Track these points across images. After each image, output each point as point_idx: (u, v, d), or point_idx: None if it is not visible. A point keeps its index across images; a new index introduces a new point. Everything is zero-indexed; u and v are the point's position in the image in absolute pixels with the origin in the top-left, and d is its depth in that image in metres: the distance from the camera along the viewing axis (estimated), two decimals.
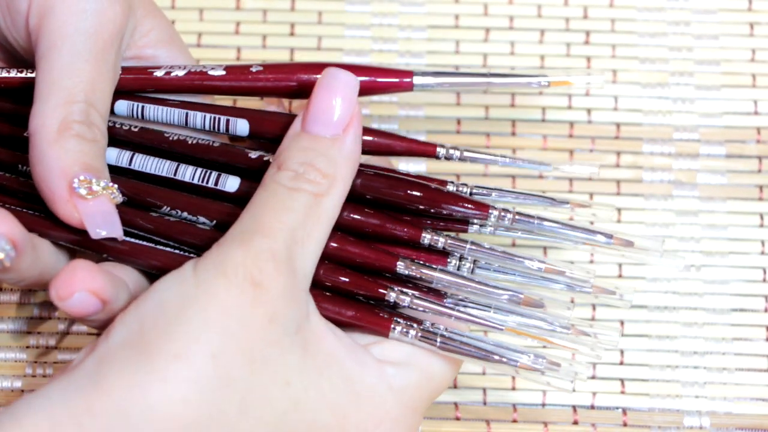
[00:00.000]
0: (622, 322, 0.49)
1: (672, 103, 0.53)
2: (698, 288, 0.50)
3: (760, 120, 0.53)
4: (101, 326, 0.40)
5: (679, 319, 0.49)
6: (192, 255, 0.41)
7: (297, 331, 0.37)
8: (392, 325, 0.40)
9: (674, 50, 0.54)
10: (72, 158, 0.39)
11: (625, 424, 0.48)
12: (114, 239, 0.40)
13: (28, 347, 0.49)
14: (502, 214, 0.41)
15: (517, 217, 0.41)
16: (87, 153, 0.40)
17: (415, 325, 0.40)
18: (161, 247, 0.41)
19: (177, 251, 0.41)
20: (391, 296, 0.40)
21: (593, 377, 0.49)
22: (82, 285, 0.38)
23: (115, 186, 0.40)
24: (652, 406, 0.48)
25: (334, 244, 0.40)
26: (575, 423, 0.48)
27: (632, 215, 0.51)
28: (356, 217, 0.41)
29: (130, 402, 0.35)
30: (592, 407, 0.48)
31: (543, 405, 0.48)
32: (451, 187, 0.42)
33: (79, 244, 0.41)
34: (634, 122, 0.53)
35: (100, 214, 0.40)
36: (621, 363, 0.49)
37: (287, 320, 0.37)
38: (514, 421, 0.48)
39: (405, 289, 0.40)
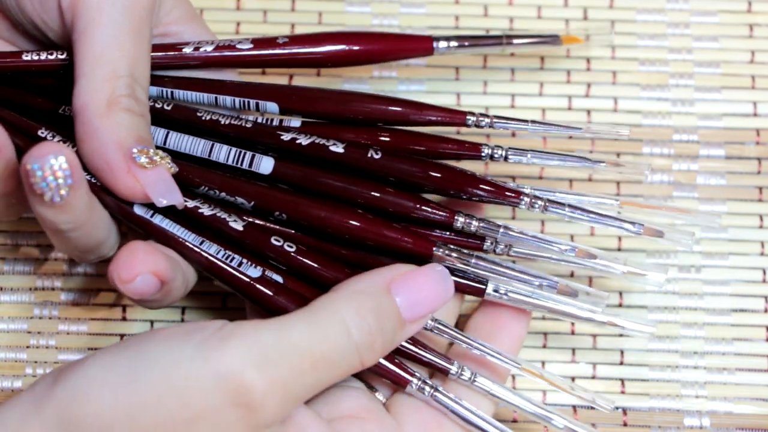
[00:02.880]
0: None
1: (671, 105, 0.53)
2: (698, 288, 0.50)
3: (760, 121, 0.53)
4: (152, 306, 0.40)
5: (680, 320, 0.49)
6: (228, 255, 0.41)
7: None
8: (411, 379, 0.40)
9: (674, 52, 0.54)
10: (125, 131, 0.39)
11: (625, 424, 0.48)
12: (158, 218, 0.41)
13: (28, 347, 0.49)
14: (533, 201, 0.41)
15: (548, 205, 0.42)
16: (138, 126, 0.40)
17: (430, 382, 0.41)
18: (205, 248, 0.41)
19: (220, 255, 0.41)
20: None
21: (593, 377, 0.49)
22: (143, 267, 0.38)
23: (169, 156, 0.40)
24: (652, 406, 0.48)
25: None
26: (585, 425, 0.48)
27: (632, 216, 0.51)
28: (391, 199, 0.41)
29: None
30: (593, 407, 0.48)
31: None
32: (486, 151, 0.43)
33: (125, 217, 0.41)
34: (633, 123, 0.53)
35: (161, 182, 0.39)
36: (621, 363, 0.49)
37: None
38: (514, 420, 0.48)
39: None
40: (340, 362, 0.37)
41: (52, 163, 0.36)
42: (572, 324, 0.49)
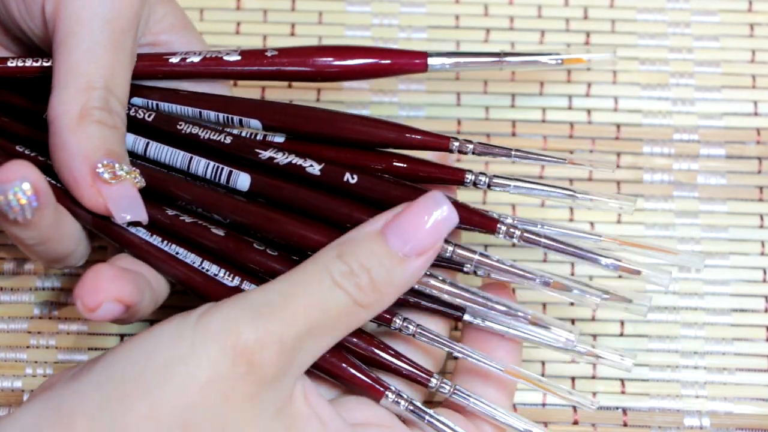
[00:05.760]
0: (622, 322, 0.49)
1: (672, 104, 0.53)
2: (698, 288, 0.50)
3: (760, 121, 0.53)
4: (119, 323, 0.40)
5: (680, 320, 0.49)
6: (205, 268, 0.41)
7: (278, 412, 0.36)
8: (385, 393, 0.40)
9: (674, 51, 0.54)
10: (94, 144, 0.39)
11: (625, 424, 0.48)
12: (132, 230, 0.41)
13: (28, 347, 0.49)
14: (510, 230, 0.41)
15: (525, 234, 0.41)
16: (108, 139, 0.40)
17: (405, 395, 0.40)
18: (182, 258, 0.41)
19: (196, 265, 0.41)
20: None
21: (593, 377, 0.49)
22: (107, 294, 0.38)
23: (138, 170, 0.40)
24: (652, 406, 0.48)
25: None
26: (575, 423, 0.48)
27: (632, 216, 0.51)
28: (367, 219, 0.41)
29: None
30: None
31: (543, 405, 0.48)
32: (469, 176, 0.42)
33: (99, 229, 0.41)
34: (634, 123, 0.53)
35: (124, 198, 0.40)
36: None
37: (267, 403, 0.36)
38: None
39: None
40: (329, 304, 0.36)
41: (16, 189, 0.36)
42: (572, 324, 0.49)
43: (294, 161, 0.42)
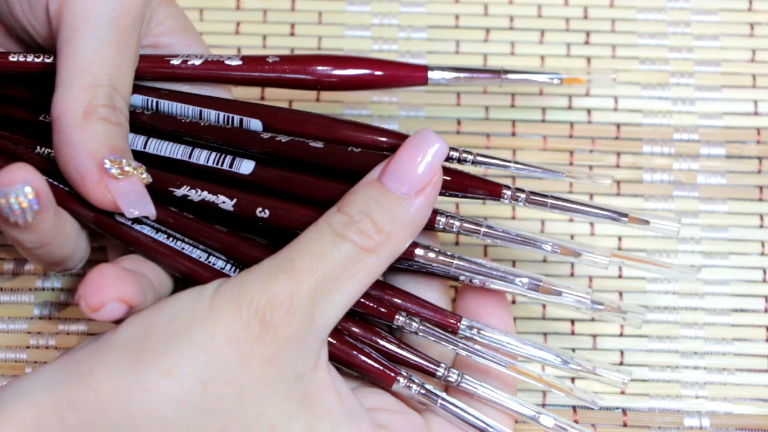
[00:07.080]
0: None
1: (672, 104, 0.53)
2: (698, 288, 0.50)
3: (760, 120, 0.53)
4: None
5: (680, 320, 0.49)
6: (212, 262, 0.41)
7: (298, 379, 0.37)
8: (397, 377, 0.40)
9: (674, 51, 0.54)
10: (100, 141, 0.39)
11: (625, 425, 0.48)
12: (137, 227, 0.41)
13: (28, 347, 0.49)
14: (516, 194, 0.41)
15: (531, 196, 0.41)
16: (113, 135, 0.40)
17: (417, 380, 0.40)
18: (187, 253, 0.42)
19: (202, 260, 0.41)
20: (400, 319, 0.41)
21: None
22: (110, 294, 0.38)
23: (144, 166, 0.40)
24: (652, 406, 0.48)
25: None
26: (575, 423, 0.48)
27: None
28: None
29: (112, 404, 0.35)
30: (592, 407, 0.48)
31: (543, 405, 0.48)
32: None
33: (103, 228, 0.41)
34: (634, 123, 0.53)
35: (132, 193, 0.40)
36: (621, 363, 0.49)
37: (288, 366, 0.37)
38: (515, 421, 0.48)
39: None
40: (334, 255, 0.37)
41: (17, 192, 0.36)
42: (572, 324, 0.49)
43: (296, 139, 0.42)
